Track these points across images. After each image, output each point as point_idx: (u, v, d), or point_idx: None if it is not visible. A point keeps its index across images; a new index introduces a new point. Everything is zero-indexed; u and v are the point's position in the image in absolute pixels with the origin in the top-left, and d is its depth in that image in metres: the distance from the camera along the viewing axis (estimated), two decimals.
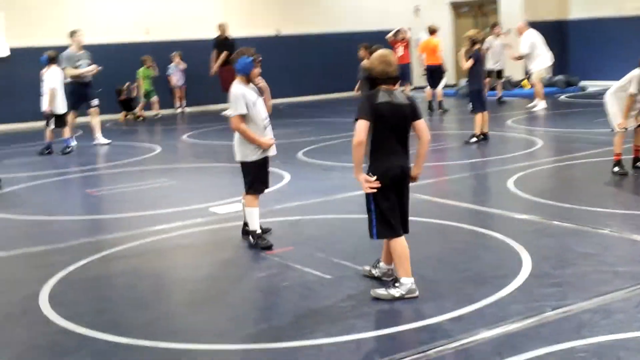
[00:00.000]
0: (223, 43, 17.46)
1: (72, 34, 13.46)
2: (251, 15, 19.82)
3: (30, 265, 6.41)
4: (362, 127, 4.91)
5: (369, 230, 5.15)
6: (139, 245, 6.83)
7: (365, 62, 11.61)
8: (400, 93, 5.11)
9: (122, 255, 6.53)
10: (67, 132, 12.69)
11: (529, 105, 16.10)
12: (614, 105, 8.67)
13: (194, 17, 18.79)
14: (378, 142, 4.98)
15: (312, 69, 20.64)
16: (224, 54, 17.13)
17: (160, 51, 18.21)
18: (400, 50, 16.92)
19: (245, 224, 6.71)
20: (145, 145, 13.35)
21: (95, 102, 13.45)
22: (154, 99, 18.01)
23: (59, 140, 12.70)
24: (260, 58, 6.53)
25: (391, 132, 5.00)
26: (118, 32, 18.22)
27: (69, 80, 13.13)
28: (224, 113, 16.76)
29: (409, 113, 5.07)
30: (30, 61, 16.64)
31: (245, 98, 6.41)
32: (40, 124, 13.60)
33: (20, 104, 17.03)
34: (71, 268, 6.14)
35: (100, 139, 13.53)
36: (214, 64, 17.53)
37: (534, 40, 16.04)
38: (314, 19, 20.79)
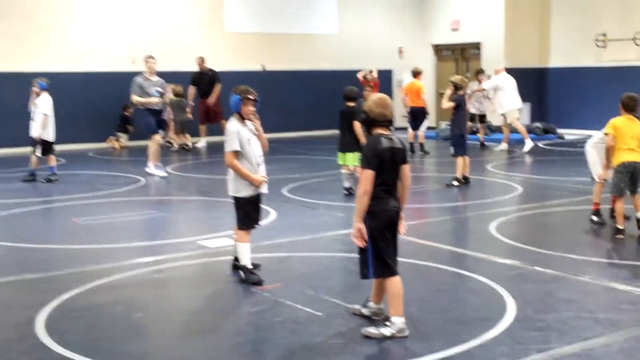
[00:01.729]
0: (201, 76, 17.74)
1: (144, 60, 13.49)
2: (237, 49, 20.06)
3: (23, 292, 6.49)
4: (368, 178, 5.11)
5: (362, 269, 5.31)
6: (130, 276, 6.93)
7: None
8: (395, 137, 5.34)
9: (114, 286, 6.63)
10: (52, 159, 12.74)
11: (498, 148, 16.63)
12: (594, 156, 8.96)
13: (180, 49, 18.97)
14: (377, 185, 5.16)
15: (297, 105, 20.89)
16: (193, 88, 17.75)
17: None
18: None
19: (236, 259, 6.84)
20: (129, 176, 13.42)
21: (160, 131, 13.53)
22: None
23: (44, 168, 12.75)
24: (251, 96, 6.62)
25: (388, 175, 5.21)
26: (105, 60, 18.37)
27: (141, 107, 13.19)
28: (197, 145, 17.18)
29: (401, 156, 5.30)
30: (14, 86, 16.79)
31: (239, 135, 6.58)
32: (23, 149, 13.64)
33: (4, 129, 17.08)
34: (64, 297, 6.24)
35: (152, 169, 13.29)
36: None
37: (499, 83, 16.83)
38: (300, 56, 21.08)
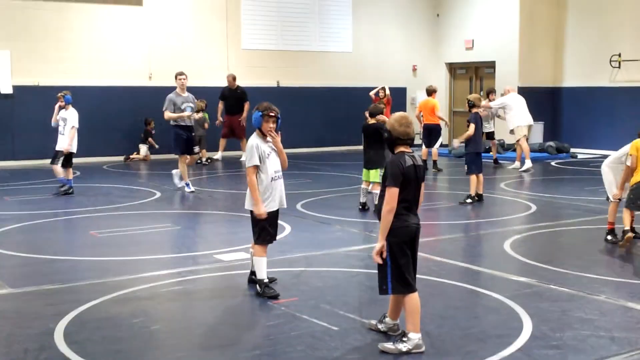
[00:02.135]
0: (231, 93, 18.04)
1: (175, 76, 13.44)
2: (253, 66, 20.19)
3: (42, 303, 6.53)
4: (394, 196, 5.16)
5: (381, 284, 5.34)
6: (147, 288, 6.99)
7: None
8: (416, 155, 5.41)
9: (132, 298, 6.69)
10: (70, 172, 12.83)
11: (511, 167, 16.69)
12: (610, 176, 8.98)
13: (197, 65, 19.10)
14: (399, 202, 5.21)
15: (311, 121, 20.97)
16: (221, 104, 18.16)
17: (162, 96, 18.46)
18: None
19: (252, 272, 6.90)
20: (144, 189, 13.52)
21: (196, 149, 13.65)
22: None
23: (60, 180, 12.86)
24: (272, 113, 6.71)
25: (410, 192, 5.26)
26: (122, 75, 18.55)
27: (172, 123, 13.13)
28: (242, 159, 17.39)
29: (422, 174, 5.36)
30: (32, 99, 17.00)
31: (259, 150, 6.67)
32: (40, 162, 13.72)
33: (21, 142, 17.26)
34: (83, 307, 6.30)
35: (177, 180, 13.28)
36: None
37: (508, 103, 17.05)
38: (314, 73, 21.20)
